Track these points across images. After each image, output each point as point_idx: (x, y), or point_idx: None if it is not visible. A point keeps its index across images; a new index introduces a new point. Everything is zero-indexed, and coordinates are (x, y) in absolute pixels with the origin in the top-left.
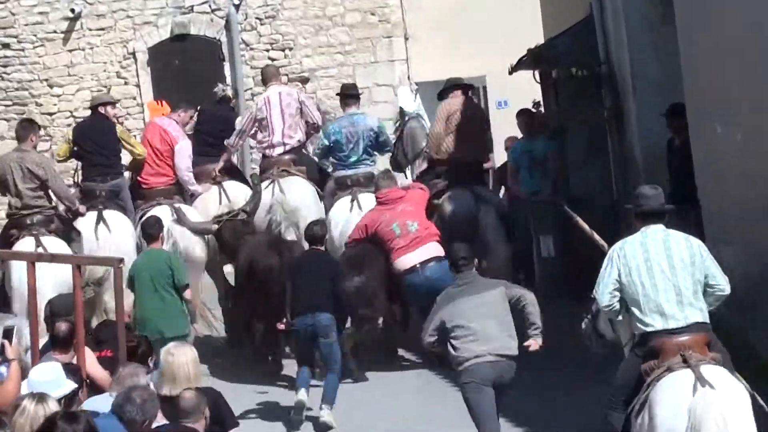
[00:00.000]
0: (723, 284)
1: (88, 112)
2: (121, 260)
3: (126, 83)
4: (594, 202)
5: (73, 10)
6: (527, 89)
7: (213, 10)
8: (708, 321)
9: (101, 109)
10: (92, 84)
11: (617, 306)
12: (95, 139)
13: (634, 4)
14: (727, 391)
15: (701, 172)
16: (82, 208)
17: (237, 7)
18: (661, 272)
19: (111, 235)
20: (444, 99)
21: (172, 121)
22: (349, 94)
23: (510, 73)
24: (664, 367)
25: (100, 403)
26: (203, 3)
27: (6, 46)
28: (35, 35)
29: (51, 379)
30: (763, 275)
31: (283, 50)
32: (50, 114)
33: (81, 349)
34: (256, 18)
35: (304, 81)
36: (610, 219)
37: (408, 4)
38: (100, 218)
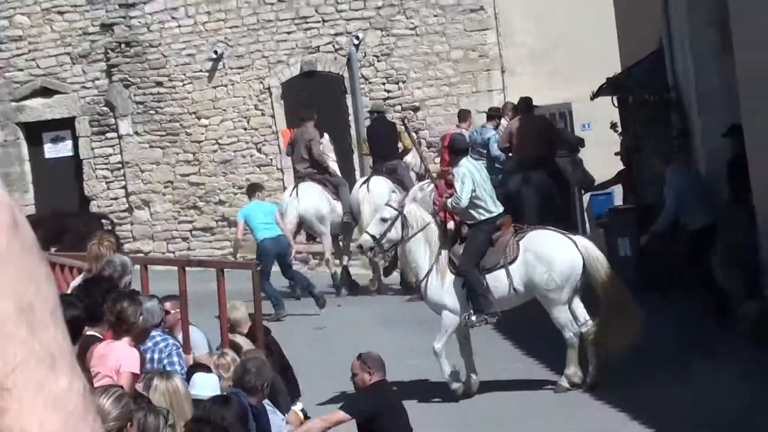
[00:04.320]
0: None
1: (231, 140)
2: (258, 264)
3: (263, 114)
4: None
5: (216, 52)
6: (607, 113)
7: (336, 50)
8: None
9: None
10: (234, 115)
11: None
12: (376, 136)
13: (698, 35)
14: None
15: (757, 180)
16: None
17: (357, 46)
18: (486, 182)
19: (368, 194)
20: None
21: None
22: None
23: (592, 98)
24: (510, 231)
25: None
26: (328, 44)
27: (159, 84)
28: (184, 74)
29: (211, 383)
30: None
31: (396, 83)
32: (198, 142)
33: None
34: (373, 55)
35: (415, 110)
36: (678, 221)
37: (504, 42)
38: (366, 182)
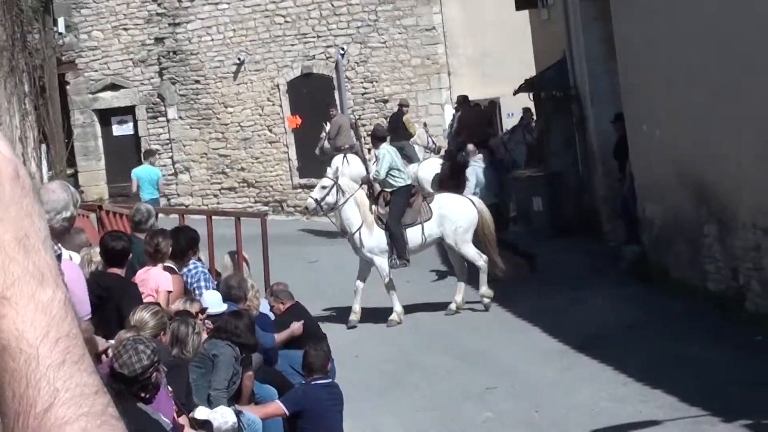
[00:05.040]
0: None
1: (249, 123)
2: (266, 213)
3: (273, 104)
4: (567, 176)
5: (239, 59)
6: (526, 105)
7: (327, 58)
8: None
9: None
10: (252, 105)
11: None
12: (393, 124)
13: (591, 49)
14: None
15: (635, 156)
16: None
17: (342, 55)
18: (399, 162)
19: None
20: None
21: None
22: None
23: (514, 94)
24: (420, 197)
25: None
26: (321, 53)
27: (197, 81)
28: (216, 75)
29: (217, 300)
30: (674, 223)
31: (371, 82)
32: (225, 125)
33: (240, 269)
34: (354, 62)
35: (385, 102)
36: (577, 186)
37: (450, 52)
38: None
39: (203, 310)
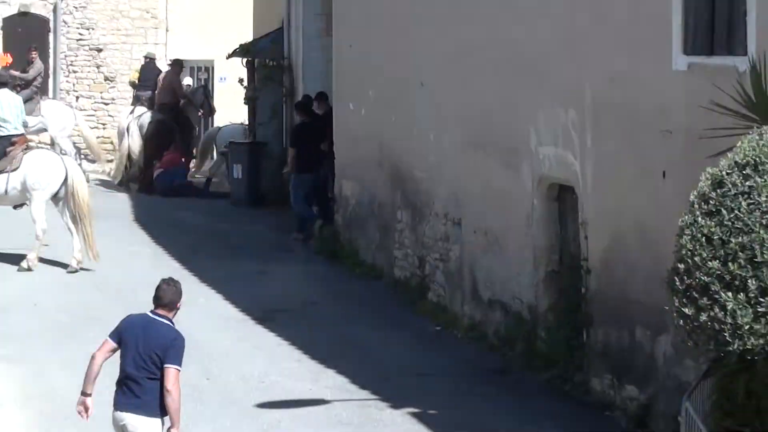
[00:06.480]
0: None
1: None
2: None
3: None
4: (272, 145)
5: None
6: (238, 70)
7: None
8: None
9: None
10: None
11: None
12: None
13: (308, 22)
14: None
15: (338, 135)
16: None
17: None
18: (12, 110)
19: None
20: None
21: None
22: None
23: (227, 58)
24: (22, 147)
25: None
26: None
27: None
28: None
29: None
30: (369, 206)
31: (88, 29)
32: None
33: None
34: (73, 6)
35: (99, 50)
36: (280, 157)
37: (170, 8)
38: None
39: None
